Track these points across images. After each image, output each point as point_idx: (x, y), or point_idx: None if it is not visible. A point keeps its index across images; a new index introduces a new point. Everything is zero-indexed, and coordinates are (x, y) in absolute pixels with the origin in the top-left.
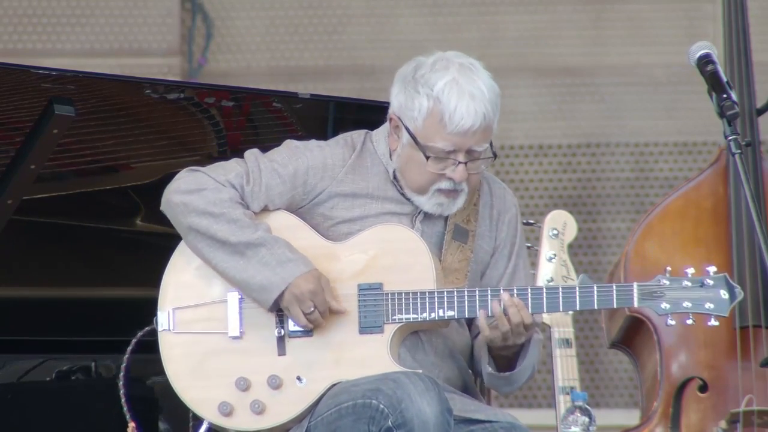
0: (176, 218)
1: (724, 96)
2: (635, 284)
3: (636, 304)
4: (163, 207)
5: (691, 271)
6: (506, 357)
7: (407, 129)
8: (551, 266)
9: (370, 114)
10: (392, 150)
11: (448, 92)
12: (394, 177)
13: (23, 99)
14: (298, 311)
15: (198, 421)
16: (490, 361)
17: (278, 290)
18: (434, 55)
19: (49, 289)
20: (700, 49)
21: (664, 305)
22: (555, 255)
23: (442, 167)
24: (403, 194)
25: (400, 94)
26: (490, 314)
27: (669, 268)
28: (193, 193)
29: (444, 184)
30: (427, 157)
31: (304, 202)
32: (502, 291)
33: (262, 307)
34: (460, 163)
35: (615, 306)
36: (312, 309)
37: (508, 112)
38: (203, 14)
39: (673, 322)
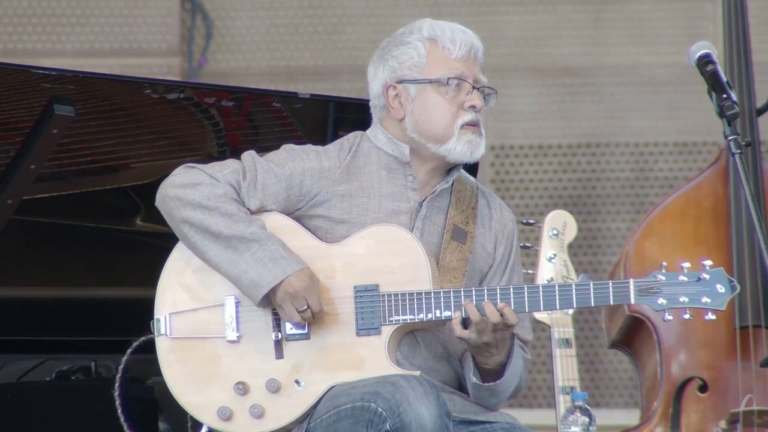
0: (170, 212)
1: (724, 96)
2: (632, 281)
3: (633, 301)
4: (158, 202)
5: (687, 265)
6: (491, 370)
7: (412, 80)
8: (551, 266)
9: (369, 114)
10: (400, 119)
11: (437, 27)
12: (407, 162)
13: (23, 99)
14: (291, 309)
15: (196, 422)
16: (475, 372)
17: (269, 286)
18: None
19: (49, 289)
20: (700, 49)
21: (661, 301)
22: (555, 255)
23: (459, 96)
24: (410, 186)
25: (387, 63)
26: (464, 315)
27: (665, 263)
28: (187, 188)
29: (467, 117)
30: (444, 84)
31: (300, 203)
32: (498, 290)
33: (252, 302)
34: (474, 88)
35: (612, 302)
36: (305, 307)
37: (508, 112)
38: (203, 14)
39: (670, 317)
